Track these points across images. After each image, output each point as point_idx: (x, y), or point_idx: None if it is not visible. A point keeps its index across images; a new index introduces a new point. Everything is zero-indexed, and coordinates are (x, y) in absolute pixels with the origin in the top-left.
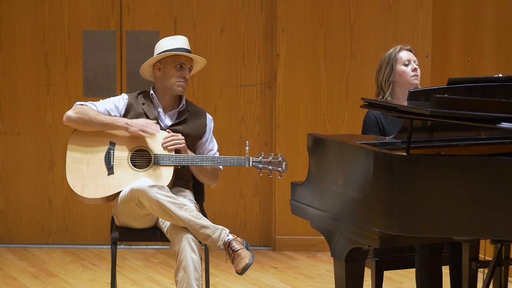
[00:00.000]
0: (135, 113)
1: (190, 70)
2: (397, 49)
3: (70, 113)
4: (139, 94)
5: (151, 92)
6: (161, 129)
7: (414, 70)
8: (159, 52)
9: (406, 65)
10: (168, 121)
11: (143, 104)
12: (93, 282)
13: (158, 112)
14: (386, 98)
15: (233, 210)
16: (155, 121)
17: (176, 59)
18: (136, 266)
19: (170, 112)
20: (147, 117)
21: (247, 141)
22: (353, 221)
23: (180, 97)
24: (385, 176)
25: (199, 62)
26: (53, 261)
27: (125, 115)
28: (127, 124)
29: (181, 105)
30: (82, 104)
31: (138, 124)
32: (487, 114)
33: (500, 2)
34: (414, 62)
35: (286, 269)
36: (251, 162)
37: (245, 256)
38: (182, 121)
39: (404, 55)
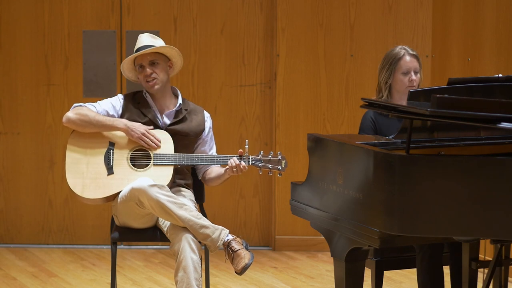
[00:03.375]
0: (132, 113)
1: (155, 64)
2: (401, 54)
3: (70, 114)
4: (135, 94)
5: (145, 92)
6: (159, 129)
7: (411, 81)
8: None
9: (404, 74)
10: (166, 121)
11: (139, 103)
12: (93, 282)
13: (154, 112)
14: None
15: (233, 210)
16: (155, 128)
17: (135, 62)
18: (136, 266)
19: (167, 112)
20: (144, 116)
21: (246, 140)
22: (353, 221)
23: (176, 96)
24: (385, 176)
25: (165, 51)
26: (53, 261)
27: (122, 115)
28: (127, 126)
29: (177, 105)
30: (81, 105)
31: (139, 130)
32: (487, 114)
33: (500, 2)
34: (414, 71)
35: (286, 269)
36: (250, 160)
37: (245, 256)
38: (180, 120)
39: (405, 63)
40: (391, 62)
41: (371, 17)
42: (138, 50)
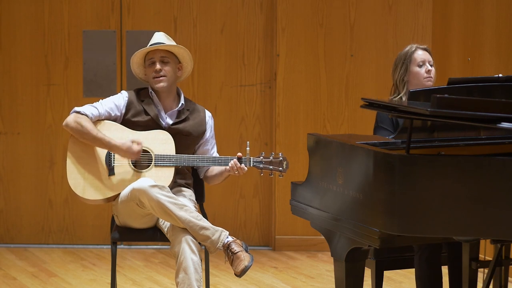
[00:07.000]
0: (135, 111)
1: (165, 62)
2: (413, 48)
3: (70, 121)
4: (139, 91)
5: (150, 90)
6: (162, 128)
7: (428, 72)
8: None
9: (420, 66)
10: (169, 120)
11: (143, 101)
12: (93, 282)
13: (159, 110)
14: (401, 97)
15: (233, 210)
16: (157, 127)
17: (146, 57)
18: (136, 266)
19: (169, 112)
20: (147, 114)
21: (248, 142)
22: (353, 221)
23: (178, 96)
24: (385, 176)
25: (179, 51)
26: (53, 261)
27: (126, 113)
28: (126, 146)
29: (180, 105)
30: (86, 114)
31: (135, 150)
32: (487, 114)
33: (500, 2)
34: (429, 63)
35: (286, 269)
36: (251, 162)
37: (244, 258)
38: (183, 120)
39: (419, 55)
40: (405, 58)
41: (371, 17)
42: (151, 46)
